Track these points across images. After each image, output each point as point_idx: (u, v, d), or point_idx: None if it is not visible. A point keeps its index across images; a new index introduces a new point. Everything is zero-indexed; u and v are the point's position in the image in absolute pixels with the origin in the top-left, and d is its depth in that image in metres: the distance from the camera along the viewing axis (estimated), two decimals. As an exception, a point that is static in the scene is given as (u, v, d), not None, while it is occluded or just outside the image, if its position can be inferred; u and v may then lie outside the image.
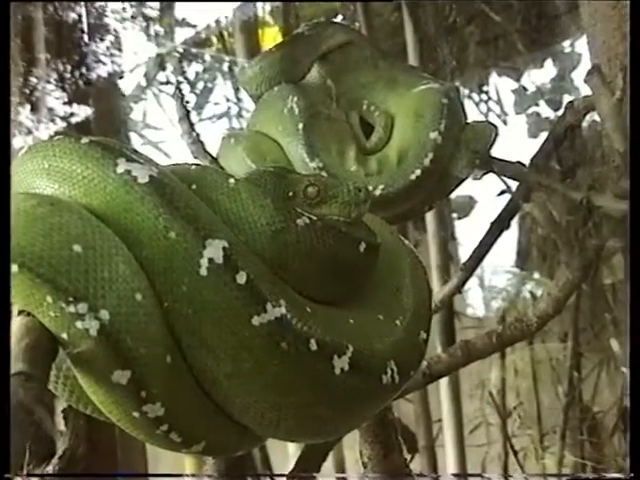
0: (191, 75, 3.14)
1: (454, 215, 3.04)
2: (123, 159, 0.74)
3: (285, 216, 0.78)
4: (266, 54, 1.54)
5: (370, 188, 1.38)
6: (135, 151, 0.78)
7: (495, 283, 3.60)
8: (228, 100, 3.17)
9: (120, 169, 0.74)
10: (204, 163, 1.53)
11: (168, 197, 0.73)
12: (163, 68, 2.97)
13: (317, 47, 1.53)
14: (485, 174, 1.52)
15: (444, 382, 2.38)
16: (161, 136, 3.06)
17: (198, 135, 1.57)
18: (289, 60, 1.52)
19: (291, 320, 0.73)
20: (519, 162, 1.51)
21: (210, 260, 0.71)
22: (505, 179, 1.65)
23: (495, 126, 1.51)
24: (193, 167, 0.83)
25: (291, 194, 0.84)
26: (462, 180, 1.48)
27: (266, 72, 1.52)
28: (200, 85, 3.16)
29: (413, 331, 0.86)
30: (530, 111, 2.99)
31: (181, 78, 3.03)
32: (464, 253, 2.80)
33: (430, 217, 2.54)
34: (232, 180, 0.80)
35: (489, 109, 3.32)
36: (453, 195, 1.62)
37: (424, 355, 0.89)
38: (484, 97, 3.15)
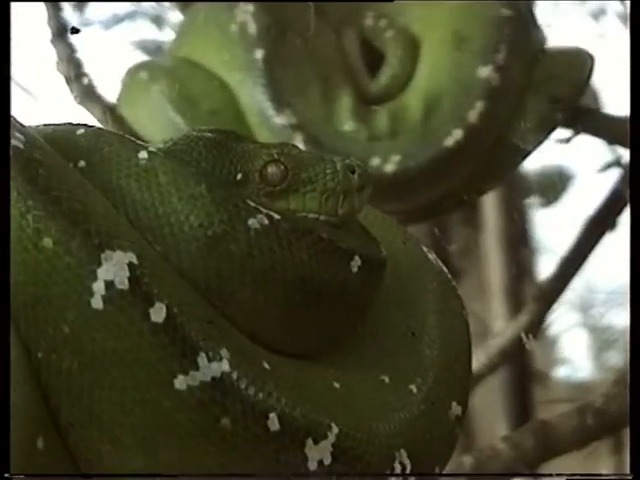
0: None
1: (531, 201, 3.07)
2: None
3: (230, 213, 0.84)
4: None
5: (376, 162, 1.44)
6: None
7: (606, 321, 3.65)
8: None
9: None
10: (95, 114, 1.60)
11: (42, 182, 0.80)
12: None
13: None
14: (575, 136, 1.59)
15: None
16: (21, 63, 3.07)
17: (82, 68, 1.63)
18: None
19: (238, 382, 0.80)
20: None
21: (108, 284, 0.78)
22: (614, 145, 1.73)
23: (590, 55, 1.56)
24: (82, 130, 0.90)
25: (240, 176, 0.91)
26: (534, 148, 1.55)
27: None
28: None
29: (439, 402, 0.94)
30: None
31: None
32: (548, 266, 2.84)
33: (490, 204, 2.60)
34: (144, 153, 0.87)
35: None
36: (529, 166, 1.65)
37: (456, 441, 0.96)
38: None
